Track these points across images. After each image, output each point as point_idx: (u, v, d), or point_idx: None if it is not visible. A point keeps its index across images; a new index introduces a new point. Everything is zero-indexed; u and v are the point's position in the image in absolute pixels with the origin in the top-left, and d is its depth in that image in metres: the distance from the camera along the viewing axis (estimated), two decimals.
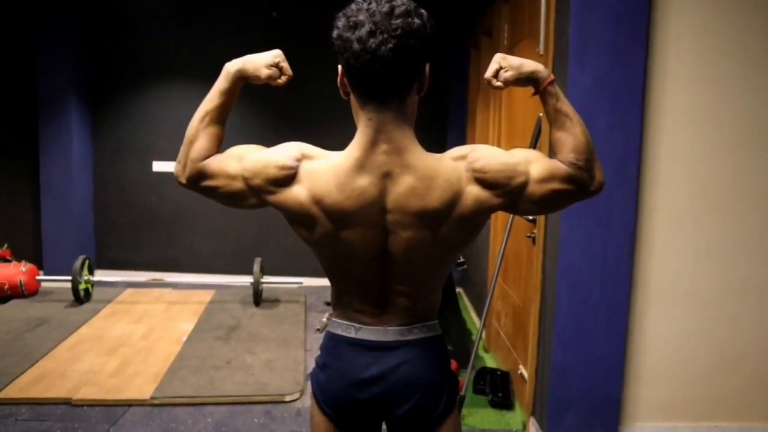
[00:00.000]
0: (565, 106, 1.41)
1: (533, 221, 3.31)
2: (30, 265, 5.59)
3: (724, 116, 2.89)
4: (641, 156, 2.85)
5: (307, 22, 5.93)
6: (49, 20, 5.79)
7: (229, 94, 1.44)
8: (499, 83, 1.43)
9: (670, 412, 3.06)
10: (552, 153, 1.45)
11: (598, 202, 2.78)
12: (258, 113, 6.05)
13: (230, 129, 1.51)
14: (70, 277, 5.22)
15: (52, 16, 5.78)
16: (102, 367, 3.86)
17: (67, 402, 3.40)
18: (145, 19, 6.16)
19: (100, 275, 5.88)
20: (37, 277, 5.58)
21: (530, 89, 1.44)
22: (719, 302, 2.99)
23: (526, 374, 3.33)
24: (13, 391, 3.48)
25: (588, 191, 1.41)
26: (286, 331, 4.64)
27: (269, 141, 1.48)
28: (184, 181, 1.44)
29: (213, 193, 1.43)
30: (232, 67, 1.43)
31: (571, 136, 1.39)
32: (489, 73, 1.43)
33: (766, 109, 2.90)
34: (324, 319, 4.92)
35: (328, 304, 5.45)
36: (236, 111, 1.50)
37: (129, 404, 3.41)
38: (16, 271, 5.45)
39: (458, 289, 5.82)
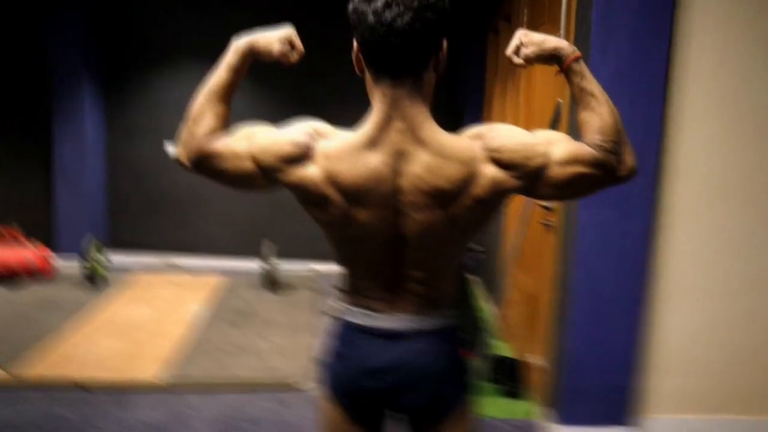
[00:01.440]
0: (591, 84, 1.35)
1: (549, 208, 3.30)
2: (42, 246, 5.65)
3: (745, 109, 2.87)
4: (660, 146, 2.84)
5: (323, 2, 5.93)
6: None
7: (237, 72, 1.40)
8: (519, 60, 1.39)
9: (686, 404, 3.07)
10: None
11: (617, 190, 2.75)
12: (270, 95, 6.04)
13: (239, 110, 1.51)
14: (82, 259, 5.28)
15: None
16: (113, 350, 3.92)
17: (78, 385, 3.45)
18: None
19: (113, 257, 5.94)
20: (50, 259, 5.64)
21: (553, 68, 1.39)
22: (736, 295, 2.99)
23: (539, 363, 3.35)
24: (24, 374, 3.54)
25: (616, 176, 1.34)
26: (299, 317, 4.67)
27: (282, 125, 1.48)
28: (187, 162, 1.40)
29: (219, 174, 1.39)
30: (241, 42, 1.40)
31: (597, 116, 1.34)
32: (510, 49, 1.39)
33: None
34: (331, 304, 4.97)
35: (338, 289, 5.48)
36: (246, 92, 1.50)
37: (140, 388, 3.46)
38: (29, 252, 5.52)
39: (471, 277, 5.83)
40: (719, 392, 3.06)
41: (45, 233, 6.16)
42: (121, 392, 3.40)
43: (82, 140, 6.02)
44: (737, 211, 2.94)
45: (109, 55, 6.23)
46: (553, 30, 3.32)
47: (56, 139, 6.02)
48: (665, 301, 2.97)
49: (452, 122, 6.24)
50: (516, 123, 4.17)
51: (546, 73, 3.54)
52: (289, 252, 6.06)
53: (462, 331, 1.49)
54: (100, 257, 5.43)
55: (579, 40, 2.93)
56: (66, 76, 5.92)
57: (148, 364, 3.71)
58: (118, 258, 6.01)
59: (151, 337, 4.16)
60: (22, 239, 5.87)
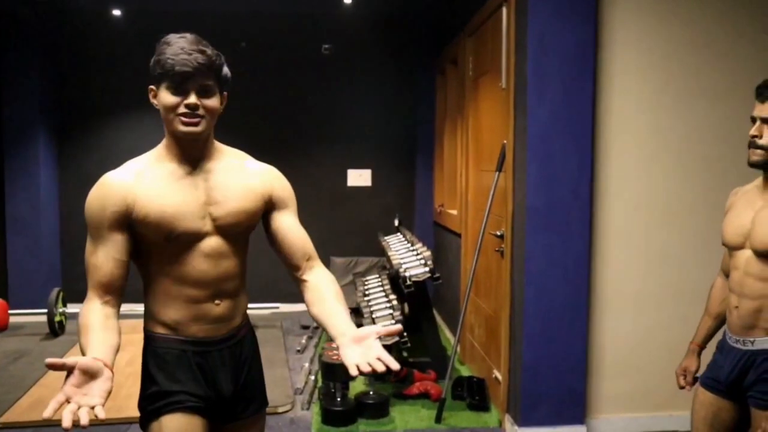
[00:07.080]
0: None
1: (501, 237, 3.94)
2: (0, 300, 6.00)
3: (664, 140, 3.60)
4: (593, 176, 3.53)
5: (273, 51, 6.54)
6: (15, 49, 6.31)
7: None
8: None
9: (630, 404, 3.71)
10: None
11: (558, 216, 3.47)
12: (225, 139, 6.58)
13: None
14: (44, 311, 5.67)
15: (18, 44, 6.30)
16: None
17: (75, 425, 3.87)
18: (114, 48, 6.68)
19: (70, 308, 6.30)
20: (10, 311, 5.99)
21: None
22: (669, 303, 3.67)
23: (500, 377, 3.95)
24: (14, 416, 3.94)
25: None
26: (269, 353, 5.17)
27: None
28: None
29: None
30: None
31: None
32: None
33: (699, 131, 3.62)
34: (303, 341, 5.50)
35: (304, 327, 6.02)
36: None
37: (130, 422, 3.91)
38: None
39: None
40: (660, 391, 3.69)
41: None
42: (114, 426, 3.85)
43: (37, 191, 6.42)
44: (664, 228, 3.64)
45: (62, 105, 6.70)
46: (496, 77, 4.01)
47: (9, 190, 6.42)
48: (606, 311, 3.63)
49: (406, 159, 6.87)
50: (466, 159, 4.82)
51: (492, 116, 4.22)
52: (253, 293, 6.52)
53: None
54: (64, 308, 5.84)
55: (518, 88, 3.61)
56: (19, 125, 6.35)
57: (135, 401, 4.09)
58: (75, 308, 6.37)
59: (130, 378, 4.58)
60: None
